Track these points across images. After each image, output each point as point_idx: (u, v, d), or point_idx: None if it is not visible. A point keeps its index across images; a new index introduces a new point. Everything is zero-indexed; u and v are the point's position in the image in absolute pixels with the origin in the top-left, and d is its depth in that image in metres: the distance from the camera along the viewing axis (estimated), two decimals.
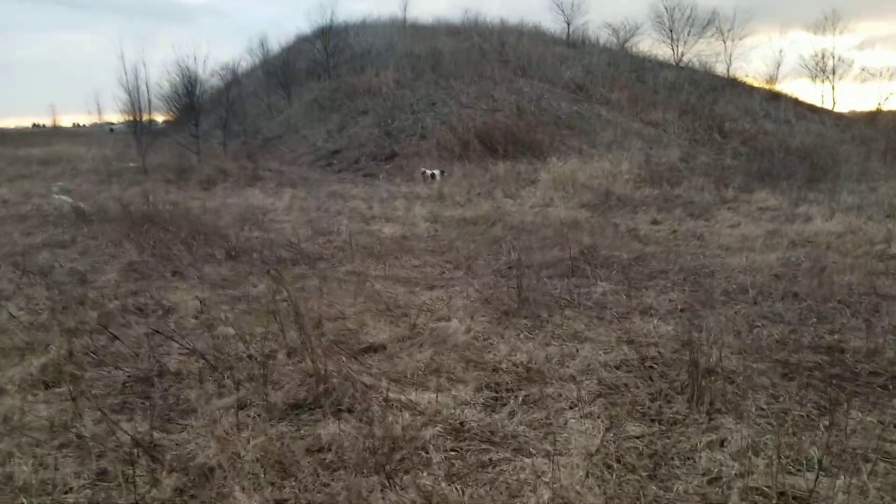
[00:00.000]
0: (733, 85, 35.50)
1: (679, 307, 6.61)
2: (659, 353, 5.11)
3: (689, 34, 40.28)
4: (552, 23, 43.47)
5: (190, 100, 38.48)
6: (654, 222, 12.58)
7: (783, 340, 5.49)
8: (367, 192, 16.39)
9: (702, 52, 40.05)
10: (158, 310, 6.00)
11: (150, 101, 29.44)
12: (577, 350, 5.13)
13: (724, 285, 7.49)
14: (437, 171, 18.22)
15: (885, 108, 31.70)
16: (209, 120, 34.01)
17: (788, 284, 7.34)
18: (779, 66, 36.61)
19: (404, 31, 40.17)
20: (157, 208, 12.61)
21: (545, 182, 17.33)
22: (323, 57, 34.69)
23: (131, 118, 36.35)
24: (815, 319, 6.12)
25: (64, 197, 17.37)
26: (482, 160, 21.58)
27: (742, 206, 14.29)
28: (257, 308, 6.05)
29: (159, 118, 38.29)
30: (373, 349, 5.09)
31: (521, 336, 5.54)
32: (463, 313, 6.09)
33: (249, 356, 4.89)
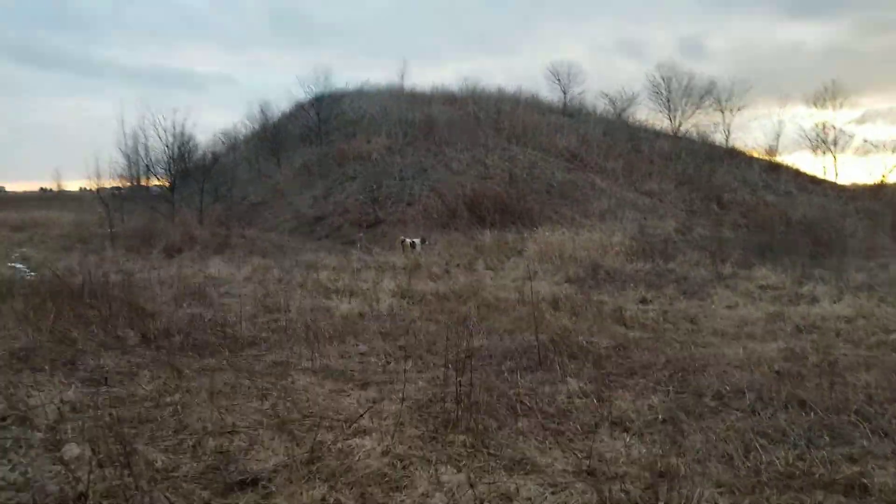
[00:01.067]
0: (732, 155, 34.92)
1: (660, 416, 5.41)
2: (625, 492, 3.89)
3: (686, 104, 40.04)
4: (549, 92, 43.19)
5: (178, 165, 38.18)
6: (643, 301, 11.44)
7: (788, 473, 4.28)
8: (341, 262, 15.34)
9: (699, 122, 39.71)
10: (7, 418, 4.83)
11: (147, 167, 28.98)
12: (518, 489, 3.92)
13: (717, 385, 6.28)
14: (417, 240, 17.21)
15: (889, 180, 30.99)
16: (197, 186, 33.47)
17: (793, 386, 6.13)
18: (778, 136, 36.15)
19: (400, 98, 39.92)
20: (97, 280, 11.52)
21: (531, 253, 16.29)
22: (315, 123, 34.29)
23: (129, 183, 36.18)
24: (827, 439, 4.90)
25: (19, 265, 16.40)
26: (469, 229, 20.64)
27: (740, 283, 13.17)
28: (130, 416, 4.86)
29: (156, 183, 37.96)
30: (250, 483, 3.88)
31: (453, 461, 4.34)
32: (389, 424, 4.90)
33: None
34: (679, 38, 77.84)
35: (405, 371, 6.21)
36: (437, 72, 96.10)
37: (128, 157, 35.26)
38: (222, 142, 42.24)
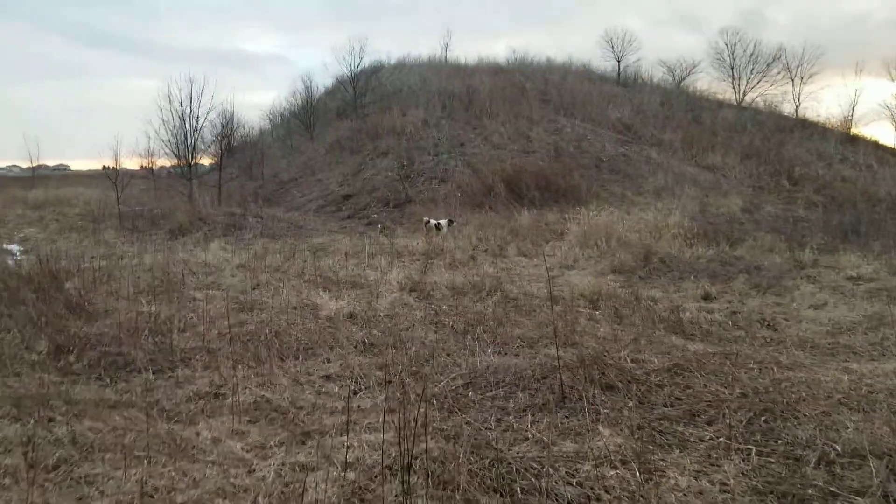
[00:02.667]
0: (803, 126, 31.79)
1: None
2: None
3: (752, 72, 36.77)
4: (602, 61, 40.46)
5: (221, 143, 37.06)
6: (706, 297, 9.33)
7: None
8: (356, 246, 13.55)
9: (766, 91, 36.44)
10: None
11: (193, 145, 27.97)
12: None
13: (820, 440, 4.27)
14: (443, 221, 15.31)
15: None
16: (235, 164, 32.23)
17: None
18: (854, 106, 32.67)
19: (441, 70, 37.81)
20: (73, 266, 10.06)
21: (574, 236, 14.20)
22: (351, 96, 32.57)
23: (177, 161, 35.37)
24: None
25: (13, 247, 15.18)
26: (507, 208, 18.62)
27: (825, 274, 10.90)
28: None
29: (206, 161, 37.07)
30: None
31: None
32: None
33: None
34: (739, 10, 73.09)
35: (383, 403, 4.39)
36: (488, 46, 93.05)
37: (175, 136, 34.88)
38: (269, 120, 40.97)
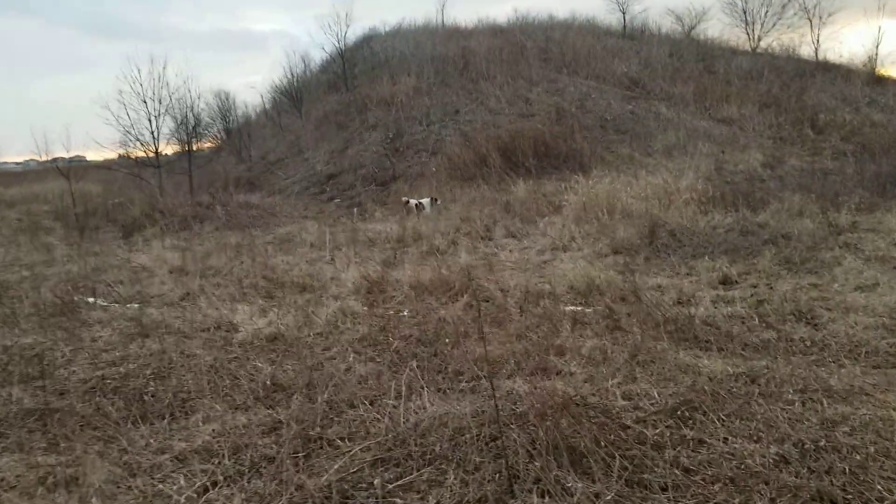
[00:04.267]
0: (825, 69, 29.41)
1: None
2: None
3: (766, 16, 34.24)
4: (607, 13, 38.10)
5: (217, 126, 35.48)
6: (725, 283, 7.61)
7: None
8: (322, 235, 11.94)
9: (783, 35, 33.92)
10: None
11: (193, 130, 26.59)
12: None
13: None
14: (425, 201, 13.65)
15: None
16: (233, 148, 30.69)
17: None
18: (878, 45, 30.13)
19: (437, 34, 35.68)
20: None
21: (572, 209, 12.48)
22: (340, 68, 30.70)
23: (178, 148, 34.09)
24: None
25: None
26: (502, 179, 16.86)
27: (868, 239, 9.13)
28: None
29: (208, 146, 35.63)
30: None
31: None
32: None
33: None
34: None
35: None
36: (493, 11, 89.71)
37: (175, 121, 33.81)
38: (262, 99, 39.38)
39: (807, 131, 21.57)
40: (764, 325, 6.03)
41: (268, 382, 4.85)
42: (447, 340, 5.67)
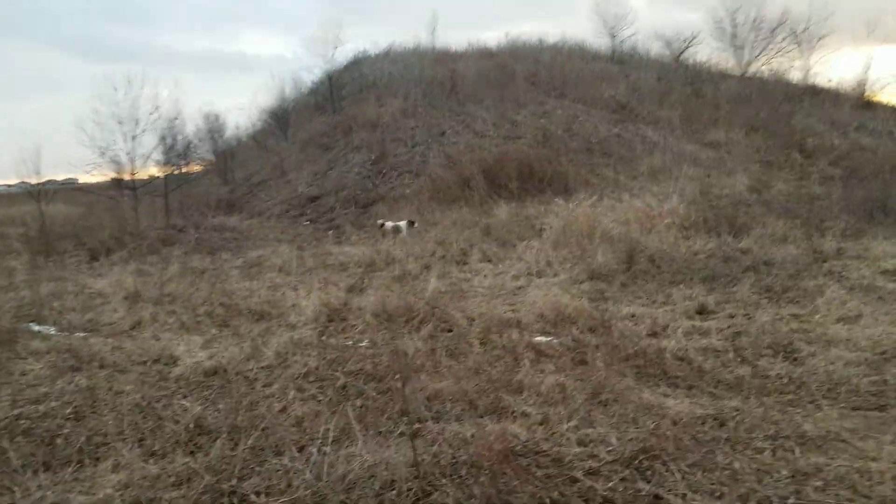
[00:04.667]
0: (813, 93, 29.34)
1: None
2: None
3: (755, 39, 34.16)
4: (596, 38, 38.05)
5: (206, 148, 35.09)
6: (702, 312, 7.24)
7: None
8: (290, 260, 11.55)
9: (772, 59, 33.83)
10: None
11: (182, 152, 26.35)
12: None
13: None
14: (402, 223, 13.27)
15: None
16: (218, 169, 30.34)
17: None
18: (867, 70, 30.05)
19: (426, 57, 35.55)
20: None
21: (553, 232, 12.12)
22: (327, 89, 30.50)
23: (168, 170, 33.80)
24: None
25: None
26: (485, 202, 16.52)
27: (853, 267, 8.80)
28: None
29: (196, 168, 35.26)
30: None
31: None
32: None
33: None
34: None
35: None
36: (485, 36, 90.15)
37: (163, 143, 33.58)
38: (249, 120, 39.03)
39: (795, 156, 21.36)
40: (739, 359, 5.65)
41: (191, 425, 4.42)
42: (398, 376, 5.26)
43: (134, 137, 17.77)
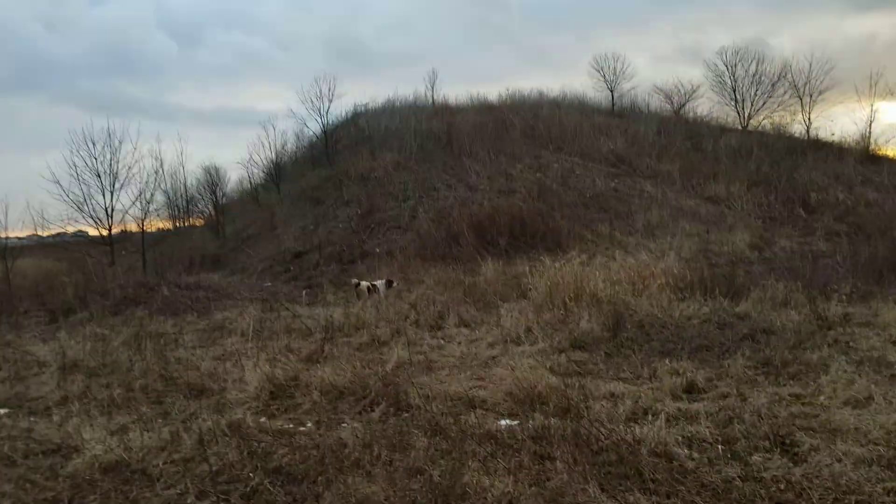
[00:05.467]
0: (816, 147, 28.85)
1: None
2: None
3: (756, 94, 33.90)
4: (595, 91, 37.89)
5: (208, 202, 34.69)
6: (690, 390, 6.40)
7: None
8: (257, 323, 10.80)
9: (773, 113, 33.49)
10: None
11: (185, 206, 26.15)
12: None
13: None
14: (379, 283, 12.53)
15: None
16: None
17: None
18: (871, 122, 29.59)
19: (425, 110, 35.35)
20: None
21: (538, 293, 11.35)
22: (322, 142, 30.22)
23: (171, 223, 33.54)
24: None
25: None
26: (472, 258, 15.78)
27: (861, 336, 7.98)
28: None
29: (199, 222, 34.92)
30: None
31: None
32: None
33: None
34: (743, 40, 70.49)
35: None
36: (484, 88, 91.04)
37: (167, 197, 33.46)
38: (247, 174, 38.76)
39: (798, 211, 20.70)
40: (729, 454, 4.80)
41: None
42: (321, 478, 4.44)
43: (112, 191, 17.28)
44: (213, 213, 33.90)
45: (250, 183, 36.06)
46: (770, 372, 6.81)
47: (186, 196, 33.82)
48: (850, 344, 7.71)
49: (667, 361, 7.26)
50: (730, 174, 24.27)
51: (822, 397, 5.97)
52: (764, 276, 12.02)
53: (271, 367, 7.39)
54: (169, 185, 33.04)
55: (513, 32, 76.95)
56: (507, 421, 5.91)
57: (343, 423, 6.10)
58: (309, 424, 6.08)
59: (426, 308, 10.83)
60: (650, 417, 5.68)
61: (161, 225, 32.21)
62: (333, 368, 7.29)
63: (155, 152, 17.77)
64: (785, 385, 6.41)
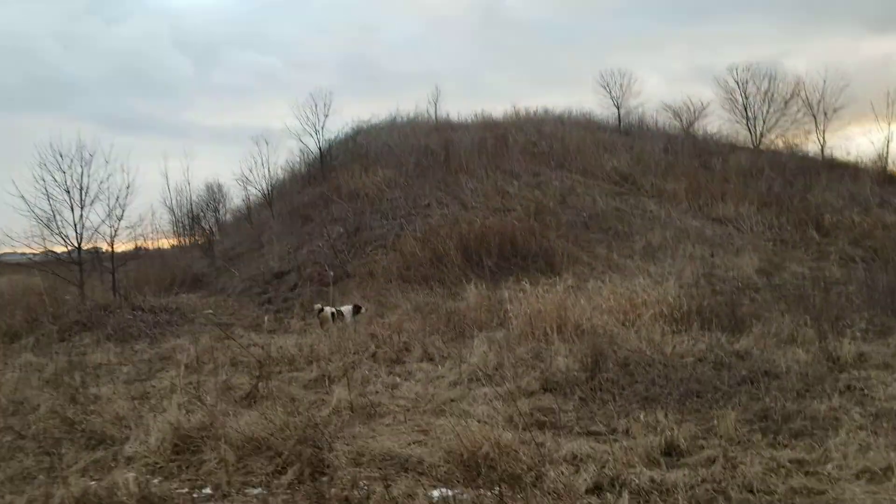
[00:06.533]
0: (830, 167, 27.60)
1: None
2: None
3: (768, 111, 32.68)
4: (602, 109, 36.83)
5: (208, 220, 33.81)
6: (670, 452, 5.29)
7: None
8: (205, 353, 9.78)
9: (786, 131, 32.24)
10: None
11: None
12: None
13: None
14: (345, 308, 11.49)
15: None
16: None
17: None
18: (888, 142, 28.29)
19: (426, 126, 34.42)
20: None
21: (518, 323, 10.28)
22: (317, 159, 29.30)
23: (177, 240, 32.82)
24: None
25: None
26: (458, 281, 14.70)
27: (878, 382, 6.87)
28: None
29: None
30: None
31: None
32: None
33: None
34: (757, 61, 69.34)
35: None
36: (489, 105, 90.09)
37: (172, 214, 32.75)
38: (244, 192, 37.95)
39: (811, 233, 19.45)
40: None
41: None
42: None
43: (82, 208, 16.36)
44: (207, 230, 33.07)
45: (245, 200, 35.25)
46: (768, 428, 5.67)
47: (192, 214, 33.05)
48: (865, 391, 6.58)
49: (651, 408, 6.15)
50: (739, 194, 23.05)
51: (829, 466, 4.84)
52: (771, 305, 10.88)
53: (185, 412, 6.34)
54: (174, 203, 32.75)
55: (526, 54, 76.07)
56: (443, 490, 4.85)
57: (249, 487, 5.06)
58: (207, 490, 5.05)
59: (390, 338, 9.75)
60: (617, 489, 4.60)
61: (160, 243, 31.55)
62: (260, 414, 6.24)
63: (127, 168, 16.73)
64: (786, 447, 5.28)
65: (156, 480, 5.25)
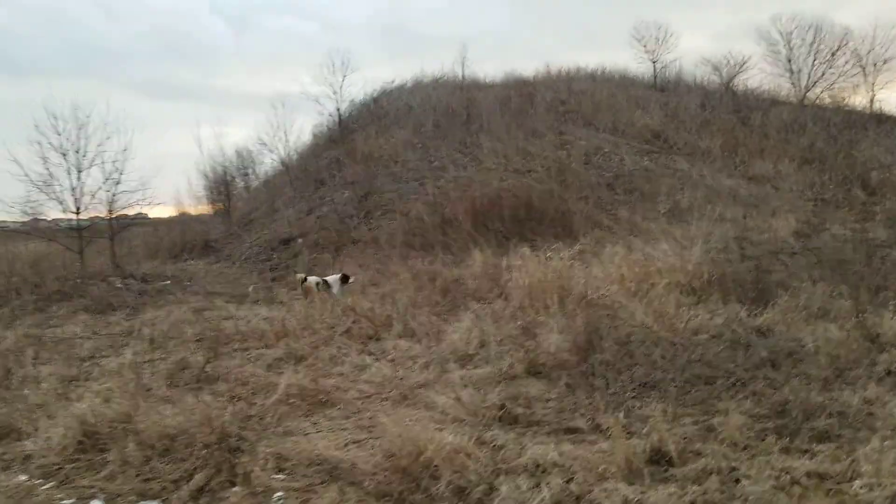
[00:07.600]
0: (878, 121, 25.64)
1: None
2: None
3: (814, 63, 30.50)
4: (636, 64, 34.89)
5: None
6: (656, 460, 4.28)
7: None
8: (188, 326, 9.02)
9: (834, 84, 30.09)
10: None
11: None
12: None
13: None
14: (332, 278, 10.60)
15: None
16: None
17: None
18: None
19: (450, 87, 33.06)
20: None
21: (517, 294, 9.29)
22: (336, 120, 28.33)
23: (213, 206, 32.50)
24: None
25: None
26: (465, 248, 13.71)
27: None
28: None
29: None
30: None
31: None
32: None
33: None
34: (805, 15, 65.63)
35: None
36: (520, 63, 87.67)
37: (207, 180, 32.33)
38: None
39: (856, 192, 17.90)
40: None
41: None
42: None
43: (80, 172, 15.70)
44: (224, 195, 32.58)
45: (268, 165, 34.60)
46: (785, 428, 4.62)
47: (226, 179, 32.57)
48: None
49: (647, 398, 5.14)
50: (779, 150, 21.47)
51: (857, 483, 3.79)
52: (804, 271, 9.65)
53: (103, 400, 5.54)
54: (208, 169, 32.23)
55: (562, 13, 73.52)
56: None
57: (144, 499, 4.23)
58: (96, 501, 4.23)
59: (371, 311, 8.84)
60: None
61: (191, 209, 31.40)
62: (183, 406, 5.40)
63: (126, 130, 16.04)
64: (804, 454, 4.24)
65: (46, 486, 4.47)
